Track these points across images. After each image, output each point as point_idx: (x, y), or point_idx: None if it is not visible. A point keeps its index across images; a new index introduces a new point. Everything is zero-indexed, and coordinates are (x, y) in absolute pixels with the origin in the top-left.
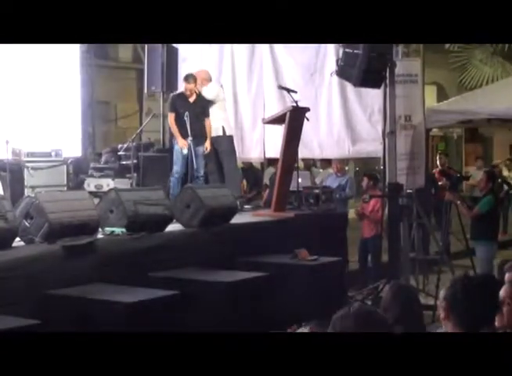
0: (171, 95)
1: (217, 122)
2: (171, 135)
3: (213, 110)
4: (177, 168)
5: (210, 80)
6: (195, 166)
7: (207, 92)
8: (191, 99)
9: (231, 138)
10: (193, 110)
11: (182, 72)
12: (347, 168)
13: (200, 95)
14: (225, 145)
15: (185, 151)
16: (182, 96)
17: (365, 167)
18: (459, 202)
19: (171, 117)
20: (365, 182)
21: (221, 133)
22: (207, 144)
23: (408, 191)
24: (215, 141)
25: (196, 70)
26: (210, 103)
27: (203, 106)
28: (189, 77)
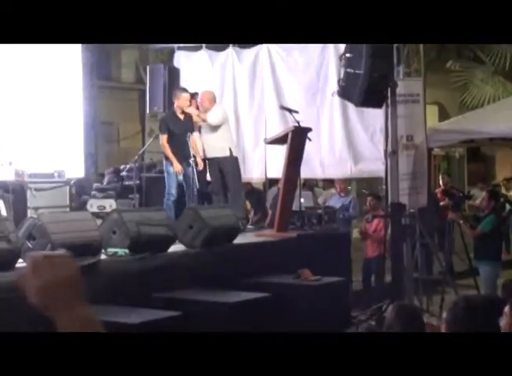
0: (162, 115)
1: (223, 143)
2: (164, 158)
3: (220, 131)
4: (173, 190)
5: (214, 101)
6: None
7: (214, 117)
8: (182, 117)
9: (236, 159)
10: (190, 129)
11: None
12: (349, 188)
13: (187, 113)
14: (230, 166)
15: (181, 176)
16: (174, 115)
17: (368, 187)
18: (461, 221)
19: (163, 138)
20: (369, 202)
21: (227, 154)
22: (200, 161)
23: (410, 211)
24: (221, 162)
25: (202, 91)
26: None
27: (191, 123)
28: (184, 92)
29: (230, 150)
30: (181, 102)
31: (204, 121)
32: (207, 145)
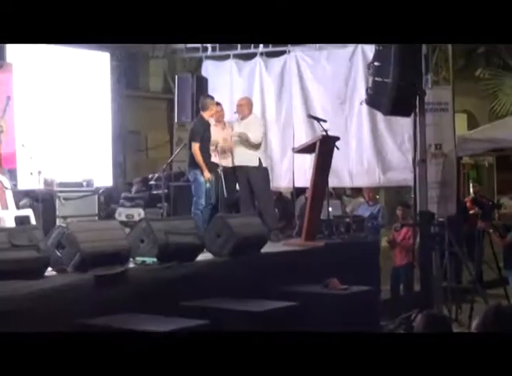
0: (195, 122)
1: (254, 152)
2: (191, 166)
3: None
4: (202, 200)
5: (251, 110)
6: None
7: (257, 136)
8: (213, 125)
9: (266, 170)
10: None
11: None
12: (377, 197)
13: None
14: (260, 176)
15: (209, 184)
16: (205, 124)
17: (396, 196)
18: (491, 230)
19: (195, 146)
20: (399, 210)
21: (256, 163)
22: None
23: (439, 219)
24: (249, 171)
25: (239, 98)
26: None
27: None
28: (212, 101)
29: (260, 159)
30: (210, 111)
31: (247, 140)
32: (237, 152)
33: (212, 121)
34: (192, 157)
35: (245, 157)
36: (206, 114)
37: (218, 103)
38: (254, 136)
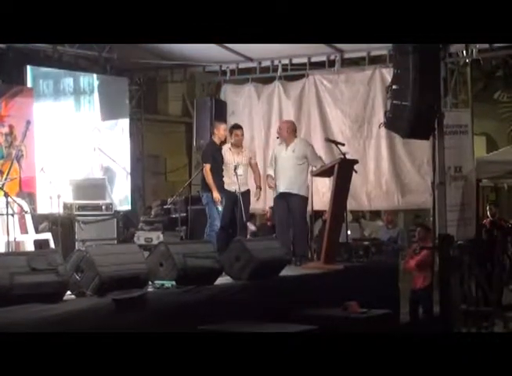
0: (208, 143)
1: (301, 179)
2: (204, 189)
3: (303, 166)
4: (217, 222)
5: (295, 132)
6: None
7: (315, 160)
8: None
9: (307, 199)
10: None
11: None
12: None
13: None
14: (301, 204)
15: (220, 206)
16: (217, 146)
17: (415, 219)
18: (510, 253)
19: (207, 167)
20: (418, 232)
21: (303, 193)
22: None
23: (459, 242)
24: (293, 197)
25: (281, 121)
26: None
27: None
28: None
29: (305, 188)
30: (218, 133)
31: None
32: (282, 178)
33: (228, 145)
34: (203, 181)
35: (292, 184)
36: (215, 137)
37: (237, 127)
38: (314, 159)
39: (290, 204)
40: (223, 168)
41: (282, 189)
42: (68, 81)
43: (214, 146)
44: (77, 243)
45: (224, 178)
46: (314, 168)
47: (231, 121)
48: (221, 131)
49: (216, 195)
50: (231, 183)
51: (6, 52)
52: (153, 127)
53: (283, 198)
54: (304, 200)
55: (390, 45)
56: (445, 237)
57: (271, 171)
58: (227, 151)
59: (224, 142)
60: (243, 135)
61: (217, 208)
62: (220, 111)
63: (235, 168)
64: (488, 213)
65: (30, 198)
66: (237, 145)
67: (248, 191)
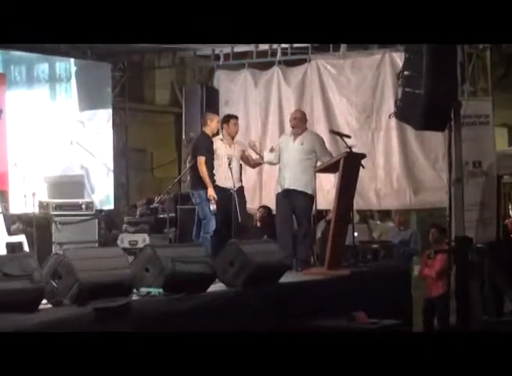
0: (200, 134)
1: (306, 176)
2: (196, 187)
3: (308, 162)
4: (212, 224)
5: (306, 122)
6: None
7: (325, 155)
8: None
9: (313, 198)
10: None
11: None
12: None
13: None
14: (307, 204)
15: (213, 205)
16: (209, 139)
17: (430, 219)
18: None
19: (201, 160)
20: (432, 234)
21: (309, 191)
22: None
23: (478, 245)
24: (297, 195)
25: (292, 111)
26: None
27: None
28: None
29: (312, 185)
30: (210, 125)
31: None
32: (288, 172)
33: (219, 136)
34: (194, 177)
35: (297, 181)
36: (207, 129)
37: (233, 116)
38: (322, 153)
39: (295, 202)
40: (214, 162)
41: (286, 185)
42: (43, 67)
43: (207, 138)
44: (53, 246)
45: (216, 174)
46: None
47: (225, 111)
48: (213, 123)
49: (212, 192)
50: (225, 179)
51: None
52: (138, 117)
53: (286, 195)
54: (310, 198)
55: None
56: (463, 240)
57: (270, 157)
58: (218, 142)
59: (216, 134)
60: (236, 125)
61: (209, 208)
62: (212, 100)
63: (229, 162)
64: (511, 212)
65: (2, 196)
66: (232, 136)
67: (242, 188)
